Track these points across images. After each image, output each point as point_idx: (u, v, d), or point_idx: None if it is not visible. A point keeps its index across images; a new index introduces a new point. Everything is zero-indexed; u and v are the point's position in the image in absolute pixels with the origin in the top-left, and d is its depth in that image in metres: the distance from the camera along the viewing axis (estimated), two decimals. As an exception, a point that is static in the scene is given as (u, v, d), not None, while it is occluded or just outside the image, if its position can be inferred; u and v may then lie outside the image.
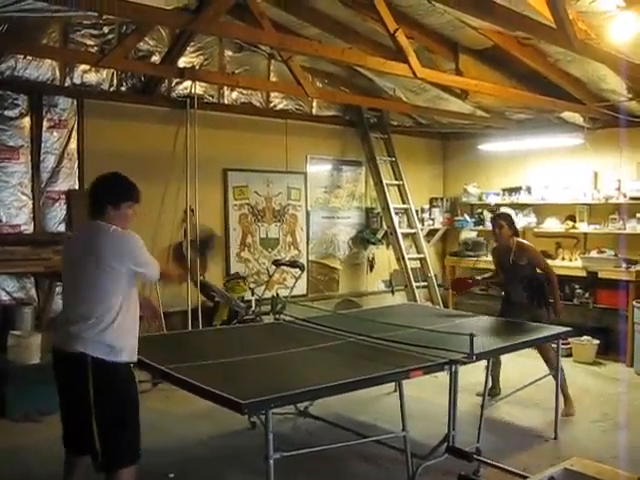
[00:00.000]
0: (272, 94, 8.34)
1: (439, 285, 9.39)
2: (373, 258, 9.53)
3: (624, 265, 7.70)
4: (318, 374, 4.16)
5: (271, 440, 3.40)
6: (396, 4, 5.93)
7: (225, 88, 7.90)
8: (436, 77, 6.36)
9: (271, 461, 3.39)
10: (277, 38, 5.31)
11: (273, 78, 8.21)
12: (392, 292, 9.51)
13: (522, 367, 6.45)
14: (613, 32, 5.12)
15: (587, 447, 4.97)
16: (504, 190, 9.43)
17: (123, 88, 7.19)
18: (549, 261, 8.52)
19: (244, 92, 8.06)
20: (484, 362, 4.79)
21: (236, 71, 7.84)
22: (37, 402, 5.48)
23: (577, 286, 8.19)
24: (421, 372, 4.13)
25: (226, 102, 7.96)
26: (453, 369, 4.26)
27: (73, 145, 6.85)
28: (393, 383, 5.89)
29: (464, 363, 4.27)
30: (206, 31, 5.64)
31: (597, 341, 7.79)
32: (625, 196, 7.98)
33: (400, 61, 5.75)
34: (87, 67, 6.85)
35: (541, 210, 9.04)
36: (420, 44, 6.56)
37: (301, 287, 8.35)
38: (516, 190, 9.28)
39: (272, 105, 8.38)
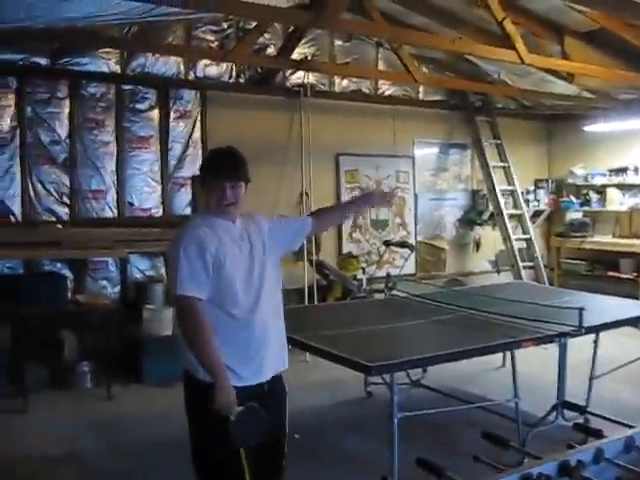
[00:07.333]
0: (380, 81, 8.63)
1: (545, 266, 9.49)
2: (479, 239, 9.68)
3: None
4: (435, 343, 4.47)
5: (396, 401, 3.76)
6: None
7: (336, 77, 8.26)
8: (542, 62, 6.49)
9: (395, 420, 3.76)
10: (391, 31, 5.61)
11: (381, 66, 8.50)
12: (498, 272, 9.66)
13: (624, 345, 6.48)
14: None
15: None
16: (610, 171, 9.40)
17: (241, 80, 7.67)
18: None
19: (354, 80, 8.40)
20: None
21: (346, 60, 8.19)
22: (168, 370, 5.92)
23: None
24: (532, 343, 4.36)
25: (337, 90, 8.33)
26: (562, 341, 4.49)
27: (197, 134, 7.37)
28: (501, 358, 6.20)
29: (573, 336, 4.44)
30: (325, 27, 5.94)
31: None
32: None
33: (507, 48, 5.93)
34: (208, 61, 7.35)
35: (650, 190, 9.00)
36: (526, 29, 6.69)
37: (410, 267, 8.63)
38: (623, 170, 9.24)
39: (380, 92, 8.67)
